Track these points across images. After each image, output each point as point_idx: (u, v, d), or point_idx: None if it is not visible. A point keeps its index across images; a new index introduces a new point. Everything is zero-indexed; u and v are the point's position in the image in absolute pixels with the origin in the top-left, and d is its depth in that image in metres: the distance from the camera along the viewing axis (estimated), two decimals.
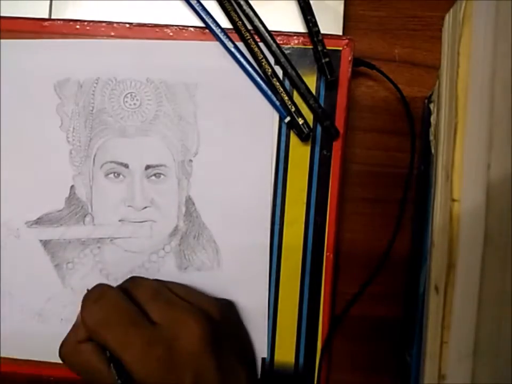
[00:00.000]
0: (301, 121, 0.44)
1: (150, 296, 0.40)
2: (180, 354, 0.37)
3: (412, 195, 0.46)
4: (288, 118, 0.44)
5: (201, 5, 0.46)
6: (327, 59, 0.44)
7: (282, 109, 0.44)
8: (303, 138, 0.45)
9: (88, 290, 0.42)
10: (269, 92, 0.45)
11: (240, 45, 0.45)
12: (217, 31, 0.45)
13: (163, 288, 0.41)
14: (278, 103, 0.44)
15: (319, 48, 0.44)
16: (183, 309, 0.39)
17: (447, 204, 0.32)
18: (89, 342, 0.39)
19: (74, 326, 0.42)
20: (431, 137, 0.41)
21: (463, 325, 0.31)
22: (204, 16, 0.45)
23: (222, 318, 0.41)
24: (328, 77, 0.44)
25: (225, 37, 0.45)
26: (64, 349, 0.41)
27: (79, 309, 0.41)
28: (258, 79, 0.45)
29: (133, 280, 0.42)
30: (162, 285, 0.42)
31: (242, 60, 0.45)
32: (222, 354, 0.39)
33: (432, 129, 0.41)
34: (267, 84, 0.45)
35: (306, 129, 0.44)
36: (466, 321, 0.31)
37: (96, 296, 0.40)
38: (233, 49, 0.45)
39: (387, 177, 0.47)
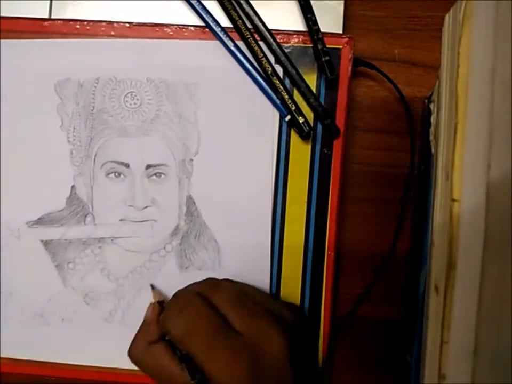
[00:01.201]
0: (301, 120, 0.44)
1: (231, 303, 0.39)
2: (265, 364, 0.37)
3: (412, 195, 0.46)
4: (288, 117, 0.44)
5: (201, 4, 0.45)
6: (327, 57, 0.44)
7: (283, 108, 0.44)
8: (304, 136, 0.44)
9: (152, 294, 0.44)
10: (269, 91, 0.45)
11: (240, 44, 0.45)
12: (217, 30, 0.45)
13: (243, 294, 0.41)
14: (278, 101, 0.44)
15: (319, 46, 0.44)
16: (265, 318, 0.39)
17: (447, 203, 0.32)
18: (160, 342, 0.40)
19: (143, 327, 0.42)
20: (431, 137, 0.41)
21: (463, 325, 0.31)
22: (204, 15, 0.45)
23: (296, 325, 0.41)
24: (328, 75, 0.44)
25: (225, 36, 0.45)
26: (135, 350, 0.41)
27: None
28: (259, 78, 0.45)
29: (211, 284, 0.42)
30: (242, 291, 0.41)
31: (242, 58, 0.45)
32: (297, 362, 0.39)
33: (432, 129, 0.41)
34: (267, 82, 0.45)
35: (307, 127, 0.44)
36: (466, 321, 0.31)
37: (181, 305, 0.40)
38: (233, 48, 0.45)
39: (387, 177, 0.47)
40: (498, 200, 0.31)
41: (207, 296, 0.40)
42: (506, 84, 0.30)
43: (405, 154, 0.46)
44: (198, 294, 0.40)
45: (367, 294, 0.46)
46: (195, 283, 0.43)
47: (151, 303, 0.44)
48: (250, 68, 0.45)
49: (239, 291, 0.41)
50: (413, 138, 0.45)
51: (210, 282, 0.43)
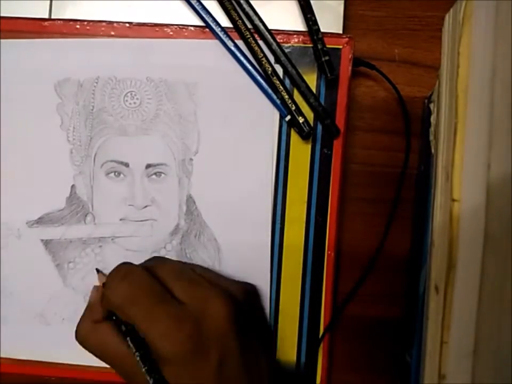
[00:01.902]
0: (301, 120, 0.44)
1: (174, 275, 0.40)
2: (207, 333, 0.37)
3: (411, 195, 0.46)
4: (288, 117, 0.44)
5: (201, 4, 0.45)
6: (327, 57, 0.44)
7: (283, 108, 0.44)
8: (304, 136, 0.44)
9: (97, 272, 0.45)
10: (269, 91, 0.44)
11: (240, 43, 0.45)
12: (217, 29, 0.45)
13: (186, 268, 0.41)
14: (278, 101, 0.44)
15: (319, 46, 0.44)
16: (208, 289, 0.39)
17: (447, 203, 0.32)
18: (105, 321, 0.40)
19: (88, 308, 0.42)
20: (431, 137, 0.41)
21: (463, 325, 0.31)
22: (204, 15, 0.45)
23: (245, 300, 0.41)
24: (328, 75, 0.44)
25: (225, 35, 0.45)
26: (80, 331, 0.41)
27: (89, 293, 0.43)
28: (259, 78, 0.45)
29: (156, 259, 0.43)
30: (186, 265, 0.42)
31: (242, 58, 0.45)
32: (245, 336, 0.38)
33: (432, 129, 0.41)
34: (267, 82, 0.45)
35: (307, 127, 0.44)
36: (466, 321, 0.31)
37: (122, 273, 0.40)
38: (233, 48, 0.45)
39: (387, 177, 0.46)
40: (498, 200, 0.31)
41: (151, 268, 0.40)
42: (506, 84, 0.30)
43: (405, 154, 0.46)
44: (142, 266, 0.41)
45: (356, 292, 0.46)
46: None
47: (95, 285, 0.44)
48: (250, 67, 0.45)
49: (183, 265, 0.42)
50: (408, 138, 0.45)
51: (155, 258, 0.43)
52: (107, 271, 0.46)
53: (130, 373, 0.38)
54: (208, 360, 0.37)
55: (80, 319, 0.41)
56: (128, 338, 0.38)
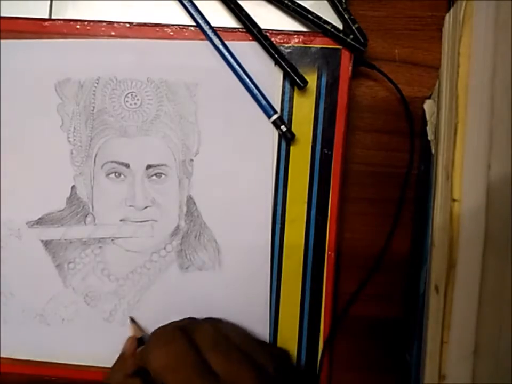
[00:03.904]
0: (284, 129, 0.44)
1: (210, 344, 0.40)
2: None
3: (412, 195, 0.46)
4: (273, 117, 0.44)
5: (192, 3, 0.45)
6: (356, 25, 0.44)
7: (269, 108, 0.44)
8: (289, 139, 0.45)
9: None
10: (255, 91, 0.44)
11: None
12: (206, 28, 0.45)
13: (221, 336, 0.42)
14: (263, 102, 0.44)
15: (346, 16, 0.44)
16: (242, 363, 0.40)
17: (447, 203, 0.32)
18: (136, 377, 0.41)
19: (120, 359, 0.44)
20: (430, 137, 0.41)
21: (463, 325, 0.31)
22: (193, 13, 0.45)
23: (276, 374, 0.41)
24: (362, 40, 0.44)
25: (213, 34, 0.45)
26: (112, 381, 0.43)
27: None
28: (245, 77, 0.45)
29: (192, 323, 0.43)
30: (220, 332, 0.42)
31: (230, 58, 0.45)
32: None
33: (432, 129, 0.41)
34: (253, 83, 0.44)
35: (289, 135, 0.44)
36: (466, 321, 0.31)
37: (165, 340, 0.40)
38: (221, 47, 0.45)
39: (387, 177, 0.46)
40: (498, 200, 0.31)
41: (187, 331, 0.41)
42: (506, 84, 0.31)
43: (405, 154, 0.46)
44: (181, 329, 0.41)
45: (359, 292, 0.46)
46: (175, 321, 0.44)
47: (129, 337, 0.45)
48: (237, 67, 0.45)
49: (218, 333, 0.42)
50: (412, 138, 0.45)
51: (191, 321, 0.44)
52: (107, 271, 0.46)
53: None
54: None
55: (112, 369, 0.43)
56: None
